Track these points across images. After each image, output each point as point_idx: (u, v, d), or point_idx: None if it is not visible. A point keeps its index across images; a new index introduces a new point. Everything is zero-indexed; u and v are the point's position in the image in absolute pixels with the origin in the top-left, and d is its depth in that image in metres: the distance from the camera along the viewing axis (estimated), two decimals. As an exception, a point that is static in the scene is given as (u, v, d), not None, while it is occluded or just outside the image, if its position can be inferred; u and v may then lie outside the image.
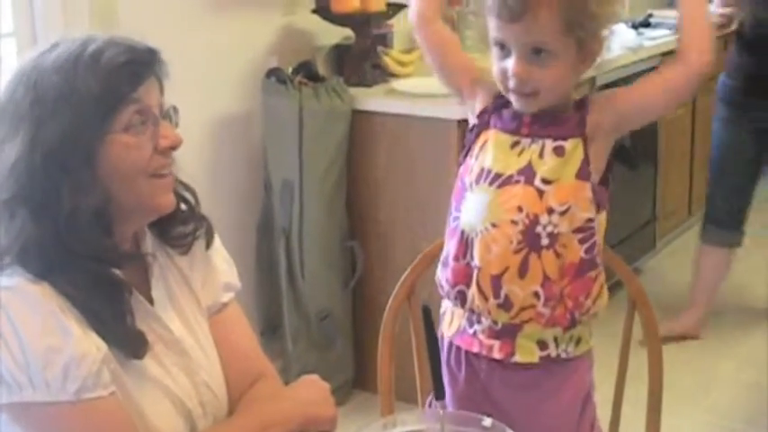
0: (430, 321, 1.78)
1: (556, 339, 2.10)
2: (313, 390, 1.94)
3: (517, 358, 2.09)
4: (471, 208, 2.08)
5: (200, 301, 1.94)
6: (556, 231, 2.02)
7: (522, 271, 2.04)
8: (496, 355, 2.09)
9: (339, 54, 4.38)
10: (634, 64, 4.87)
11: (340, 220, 4.03)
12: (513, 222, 2.03)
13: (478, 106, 2.13)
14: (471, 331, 2.12)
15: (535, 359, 2.09)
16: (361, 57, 4.22)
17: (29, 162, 1.64)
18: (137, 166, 1.70)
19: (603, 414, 2.28)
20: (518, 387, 2.11)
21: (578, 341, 2.13)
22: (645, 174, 5.24)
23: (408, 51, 4.49)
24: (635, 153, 4.94)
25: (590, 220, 2.04)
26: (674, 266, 5.39)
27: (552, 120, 2.03)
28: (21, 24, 3.29)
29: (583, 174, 2.03)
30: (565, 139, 2.02)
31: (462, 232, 2.10)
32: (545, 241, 2.02)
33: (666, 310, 4.31)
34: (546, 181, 2.02)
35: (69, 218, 1.64)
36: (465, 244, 2.09)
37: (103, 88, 1.65)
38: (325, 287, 4.04)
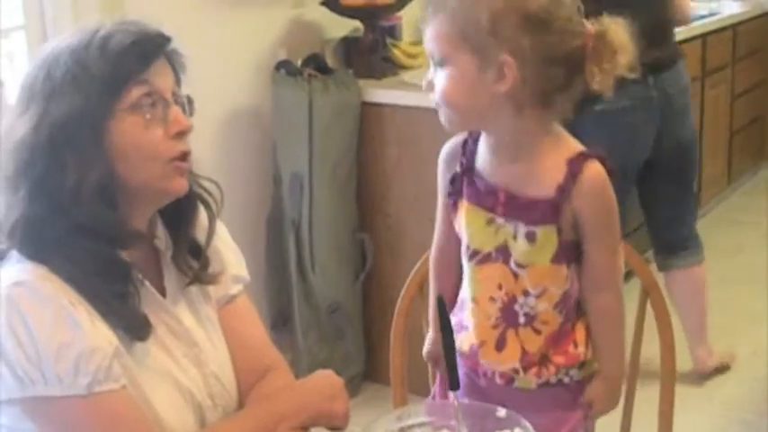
0: (444, 312, 1.78)
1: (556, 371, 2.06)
2: (327, 384, 1.94)
3: (516, 385, 2.04)
4: (464, 277, 2.07)
5: (209, 294, 1.94)
6: (532, 312, 1.98)
7: (500, 346, 2.01)
8: (498, 381, 2.05)
9: (348, 46, 4.38)
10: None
11: (350, 212, 4.03)
12: (492, 299, 1.99)
13: (449, 177, 2.05)
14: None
15: (533, 387, 2.04)
16: (370, 49, 4.22)
17: (34, 138, 1.67)
18: (145, 148, 1.71)
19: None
20: (517, 405, 2.06)
21: (582, 365, 2.06)
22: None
23: (417, 43, 4.48)
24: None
25: (565, 292, 1.99)
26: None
27: (525, 204, 1.93)
28: (31, 18, 3.31)
29: (559, 259, 1.95)
30: (536, 225, 1.93)
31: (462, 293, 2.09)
32: (522, 319, 1.99)
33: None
34: (520, 265, 1.96)
35: (74, 191, 1.66)
36: (461, 304, 2.08)
37: (111, 68, 1.68)
38: (335, 280, 4.04)
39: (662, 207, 4.12)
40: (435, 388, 2.21)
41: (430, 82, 1.92)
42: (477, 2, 1.82)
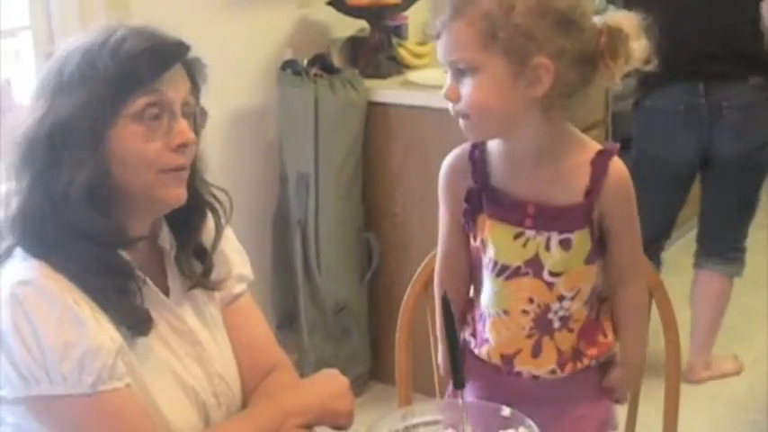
0: (449, 311, 1.78)
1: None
2: (332, 383, 1.95)
3: (542, 375, 2.04)
4: (483, 291, 2.03)
5: (213, 293, 1.94)
6: (567, 314, 1.98)
7: (536, 352, 2.00)
8: (524, 375, 2.04)
9: (354, 46, 4.38)
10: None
11: (356, 212, 4.04)
12: (525, 312, 1.97)
13: (463, 194, 2.00)
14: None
15: (562, 375, 2.04)
16: (376, 48, 4.22)
17: (35, 131, 1.68)
18: (144, 159, 1.69)
19: (621, 405, 2.27)
20: (543, 395, 2.06)
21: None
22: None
23: (423, 43, 4.48)
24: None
25: (594, 287, 2.00)
26: (689, 257, 5.36)
27: (556, 213, 1.91)
28: (37, 18, 3.31)
29: (591, 259, 1.96)
30: (571, 231, 1.92)
31: (479, 305, 2.06)
32: (557, 324, 1.98)
33: (681, 299, 4.28)
34: (554, 273, 1.94)
35: (64, 191, 1.66)
36: (480, 316, 2.06)
37: (119, 73, 1.66)
38: (341, 279, 4.04)
39: (707, 211, 4.18)
40: (448, 393, 2.19)
41: (453, 90, 1.84)
42: (509, 4, 1.76)
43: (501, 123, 1.87)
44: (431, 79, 3.98)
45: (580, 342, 2.02)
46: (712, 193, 4.10)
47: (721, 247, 4.16)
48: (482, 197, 1.97)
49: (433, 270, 2.27)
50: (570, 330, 2.00)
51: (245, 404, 1.93)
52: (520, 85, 1.80)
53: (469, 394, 2.08)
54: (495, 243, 1.96)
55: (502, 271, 1.97)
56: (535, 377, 2.03)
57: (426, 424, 1.75)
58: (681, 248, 5.49)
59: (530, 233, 1.93)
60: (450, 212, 2.06)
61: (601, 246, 1.97)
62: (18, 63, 3.34)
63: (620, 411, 2.26)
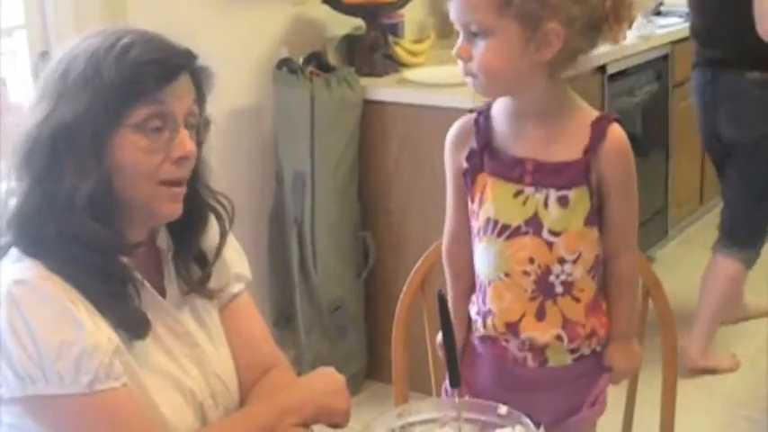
0: (445, 308, 1.78)
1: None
2: (328, 381, 1.94)
3: (551, 364, 2.05)
4: (481, 256, 2.04)
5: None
6: (570, 279, 1.99)
7: (540, 316, 2.01)
8: (530, 364, 2.05)
9: (350, 44, 4.38)
10: (645, 52, 4.85)
11: (352, 210, 4.04)
12: (526, 273, 1.98)
13: (464, 155, 2.03)
14: (502, 344, 2.09)
15: (569, 362, 2.06)
16: (372, 47, 4.21)
17: (37, 133, 1.67)
18: (143, 170, 1.69)
19: (618, 401, 2.28)
20: (552, 382, 2.08)
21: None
22: (656, 161, 5.22)
23: (419, 41, 4.48)
24: (646, 140, 4.93)
25: (597, 255, 2.01)
26: (686, 255, 5.38)
27: (554, 168, 1.94)
28: (32, 17, 3.30)
29: (591, 221, 1.97)
30: (569, 188, 1.95)
31: (478, 276, 2.07)
32: (559, 289, 1.99)
33: (678, 297, 4.28)
34: (554, 233, 1.96)
35: (66, 199, 1.65)
36: (480, 287, 2.07)
37: (123, 81, 1.65)
38: (337, 278, 4.04)
39: (722, 191, 4.29)
40: (446, 382, 2.20)
41: (464, 49, 1.88)
42: None
43: (508, 84, 1.92)
44: (427, 77, 3.99)
45: (590, 318, 2.03)
46: (725, 180, 4.21)
47: (730, 231, 4.19)
48: (483, 156, 2.00)
49: (429, 269, 2.29)
50: (576, 300, 2.01)
51: (242, 403, 1.93)
52: (529, 49, 1.85)
53: (477, 383, 2.11)
54: (495, 201, 1.99)
55: (502, 231, 1.99)
56: (543, 363, 2.03)
57: (423, 422, 1.74)
58: (680, 247, 5.50)
59: (529, 190, 1.96)
60: (455, 182, 2.08)
61: (599, 214, 1.99)
62: (14, 62, 3.33)
63: (618, 409, 2.27)
